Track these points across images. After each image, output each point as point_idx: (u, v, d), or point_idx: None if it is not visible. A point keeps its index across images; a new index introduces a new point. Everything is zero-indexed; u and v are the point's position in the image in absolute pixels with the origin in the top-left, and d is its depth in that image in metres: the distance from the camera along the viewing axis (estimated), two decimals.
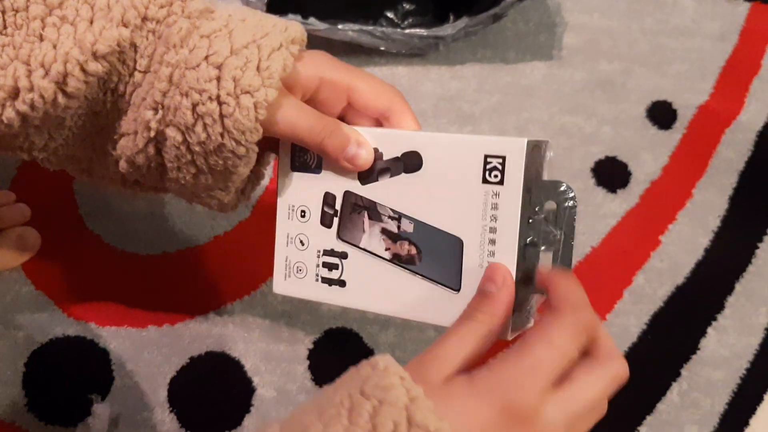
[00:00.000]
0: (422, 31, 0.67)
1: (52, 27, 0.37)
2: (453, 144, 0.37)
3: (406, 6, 0.71)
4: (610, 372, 0.32)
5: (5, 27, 0.37)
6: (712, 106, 0.73)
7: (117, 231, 0.60)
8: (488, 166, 0.35)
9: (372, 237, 0.39)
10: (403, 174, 0.38)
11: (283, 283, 0.42)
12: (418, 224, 0.37)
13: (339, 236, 0.40)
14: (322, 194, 0.40)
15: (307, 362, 0.56)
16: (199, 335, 0.57)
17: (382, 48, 0.70)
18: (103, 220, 0.61)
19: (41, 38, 0.37)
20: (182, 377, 0.55)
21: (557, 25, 0.77)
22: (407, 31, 0.67)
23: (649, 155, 0.69)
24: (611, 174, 0.68)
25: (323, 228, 0.41)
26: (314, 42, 0.71)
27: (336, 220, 0.40)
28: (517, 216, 0.35)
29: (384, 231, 0.38)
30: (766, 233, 0.66)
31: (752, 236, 0.66)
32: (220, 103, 0.36)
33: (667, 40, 0.77)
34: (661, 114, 0.72)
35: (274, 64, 0.37)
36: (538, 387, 0.31)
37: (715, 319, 0.61)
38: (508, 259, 0.35)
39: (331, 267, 0.40)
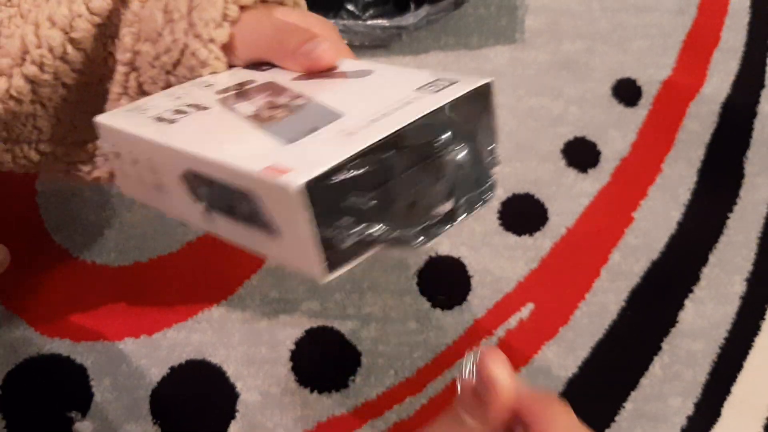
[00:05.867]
0: (384, 21, 0.67)
1: None
2: (413, 71, 0.34)
3: None
4: None
5: None
6: (676, 81, 0.74)
7: (86, 243, 0.59)
8: (431, 82, 0.32)
9: (251, 104, 0.34)
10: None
11: (113, 116, 0.36)
12: (312, 104, 0.33)
13: (218, 100, 0.35)
14: (245, 79, 0.37)
15: (290, 363, 0.56)
16: (177, 344, 0.56)
17: (345, 41, 0.69)
18: (71, 233, 0.59)
19: None
20: (164, 388, 0.54)
21: (518, 8, 0.76)
22: (369, 22, 0.67)
23: (617, 133, 0.70)
24: (581, 154, 0.68)
25: (215, 94, 0.36)
26: None
27: (232, 93, 0.36)
28: (421, 114, 0.29)
29: (269, 103, 0.34)
30: (736, 203, 0.67)
31: (723, 207, 0.67)
32: None
33: (627, 17, 0.77)
34: (626, 91, 0.72)
35: None
36: None
37: (691, 291, 0.62)
38: (363, 139, 0.28)
39: (179, 112, 0.35)
